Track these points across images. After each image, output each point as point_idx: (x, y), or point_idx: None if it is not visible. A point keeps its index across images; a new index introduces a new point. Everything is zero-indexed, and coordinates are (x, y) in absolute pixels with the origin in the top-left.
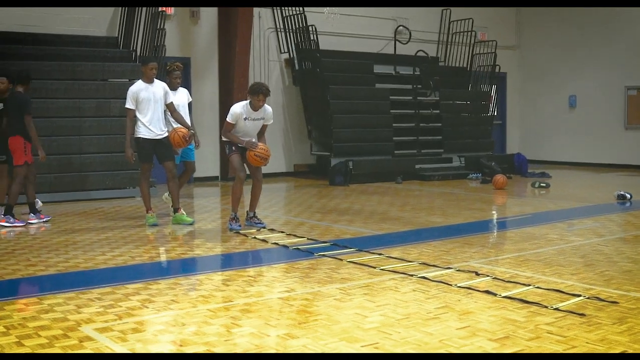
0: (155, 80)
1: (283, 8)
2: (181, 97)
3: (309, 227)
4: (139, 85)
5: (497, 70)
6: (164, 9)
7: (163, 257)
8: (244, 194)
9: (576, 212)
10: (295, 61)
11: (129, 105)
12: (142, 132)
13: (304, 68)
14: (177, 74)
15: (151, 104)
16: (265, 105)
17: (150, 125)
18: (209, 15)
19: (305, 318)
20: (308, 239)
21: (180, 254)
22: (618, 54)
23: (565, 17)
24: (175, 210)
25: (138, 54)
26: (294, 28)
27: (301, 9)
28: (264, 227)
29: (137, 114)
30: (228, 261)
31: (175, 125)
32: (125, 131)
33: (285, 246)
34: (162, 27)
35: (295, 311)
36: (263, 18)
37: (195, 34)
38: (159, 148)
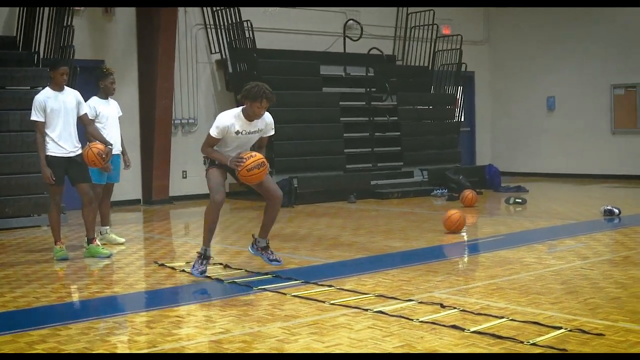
0: (65, 87)
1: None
2: (112, 109)
3: (247, 257)
4: (46, 93)
5: (463, 69)
6: None
7: (75, 297)
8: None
9: (557, 232)
10: (229, 63)
11: (36, 117)
12: (51, 149)
13: (239, 70)
14: (113, 78)
15: (61, 116)
16: (266, 113)
17: (60, 140)
18: (125, 10)
19: None
20: (246, 270)
21: (95, 292)
22: (602, 48)
23: (537, 9)
24: (90, 241)
25: (41, 56)
26: (226, 24)
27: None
28: (280, 264)
29: (45, 128)
30: (152, 299)
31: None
32: (36, 148)
33: (219, 280)
34: (69, 24)
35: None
36: (189, 13)
37: (109, 33)
38: (72, 167)
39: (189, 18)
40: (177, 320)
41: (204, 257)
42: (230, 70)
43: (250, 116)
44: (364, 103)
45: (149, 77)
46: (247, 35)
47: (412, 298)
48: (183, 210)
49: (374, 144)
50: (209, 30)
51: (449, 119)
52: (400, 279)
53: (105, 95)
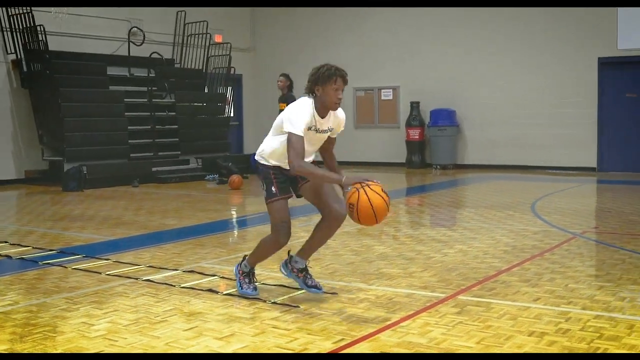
0: None
1: (9, 7)
2: None
3: (38, 236)
4: None
5: (232, 72)
6: None
7: None
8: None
9: (308, 209)
10: (23, 62)
11: None
12: None
13: (33, 70)
14: None
15: None
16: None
17: None
18: None
19: (29, 331)
20: (33, 247)
21: None
22: (344, 58)
23: (294, 22)
24: None
25: None
26: (20, 28)
27: (28, 8)
28: (321, 292)
29: None
30: None
31: None
32: None
33: (8, 256)
34: None
35: (18, 325)
36: None
37: None
38: None
39: None
40: None
41: (250, 274)
42: (25, 69)
43: (325, 107)
44: (146, 100)
45: None
46: (40, 38)
47: (180, 268)
48: None
49: (155, 136)
50: (5, 33)
51: (220, 115)
52: (173, 252)
53: None
